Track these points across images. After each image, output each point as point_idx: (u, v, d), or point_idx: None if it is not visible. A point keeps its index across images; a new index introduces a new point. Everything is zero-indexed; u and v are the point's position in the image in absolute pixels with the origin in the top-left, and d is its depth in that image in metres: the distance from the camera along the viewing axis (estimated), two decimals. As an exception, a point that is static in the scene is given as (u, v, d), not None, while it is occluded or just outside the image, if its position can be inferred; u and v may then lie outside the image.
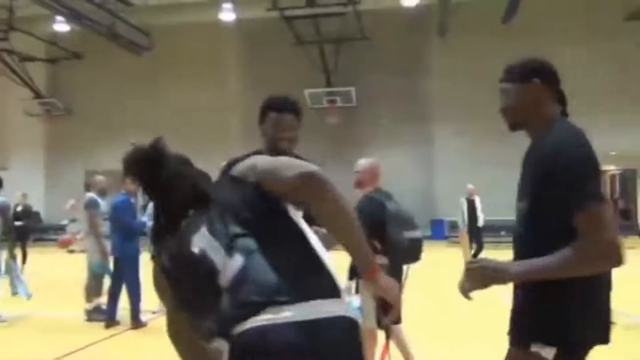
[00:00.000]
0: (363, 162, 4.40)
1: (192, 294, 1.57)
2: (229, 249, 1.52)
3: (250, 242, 1.52)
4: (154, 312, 6.74)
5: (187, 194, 1.64)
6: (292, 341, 1.41)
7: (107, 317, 6.65)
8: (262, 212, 1.59)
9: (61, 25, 18.00)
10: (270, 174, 1.60)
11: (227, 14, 17.54)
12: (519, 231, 2.04)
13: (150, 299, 7.04)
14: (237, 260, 1.50)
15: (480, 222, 11.42)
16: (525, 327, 1.91)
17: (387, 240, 3.95)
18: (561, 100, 2.03)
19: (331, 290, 1.53)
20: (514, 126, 2.08)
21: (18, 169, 20.67)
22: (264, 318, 1.43)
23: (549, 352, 1.81)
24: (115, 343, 5.97)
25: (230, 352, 1.45)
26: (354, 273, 3.90)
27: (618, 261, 1.76)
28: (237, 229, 1.54)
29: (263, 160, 1.69)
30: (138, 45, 18.47)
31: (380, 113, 19.56)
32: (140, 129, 21.08)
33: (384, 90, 19.72)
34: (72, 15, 15.64)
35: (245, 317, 1.43)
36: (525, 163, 2.00)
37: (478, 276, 1.92)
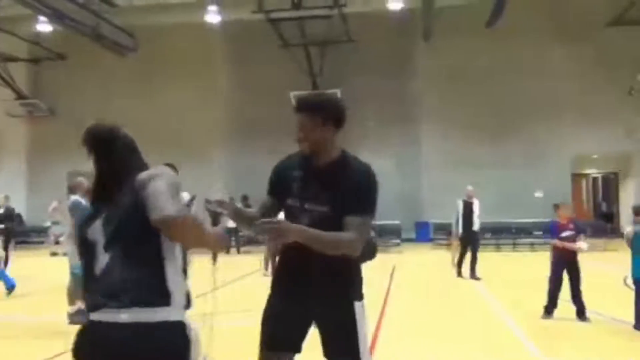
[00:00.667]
0: None
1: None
2: (107, 245, 1.89)
3: (118, 247, 1.88)
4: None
5: (121, 176, 1.98)
6: (118, 340, 1.77)
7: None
8: (135, 225, 1.88)
9: (44, 26, 17.84)
10: (148, 199, 1.87)
11: (213, 16, 17.49)
12: None
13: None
14: (106, 257, 1.88)
15: (476, 227, 10.69)
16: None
17: None
18: None
19: (162, 300, 1.87)
20: None
21: (0, 171, 20.43)
22: (102, 315, 1.81)
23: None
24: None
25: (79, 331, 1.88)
26: None
27: None
28: (116, 232, 1.90)
29: (156, 183, 1.91)
30: (122, 46, 18.35)
31: (366, 115, 19.62)
32: (129, 132, 20.95)
33: (371, 92, 19.79)
34: (55, 16, 15.49)
35: (94, 309, 1.84)
36: None
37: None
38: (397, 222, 18.42)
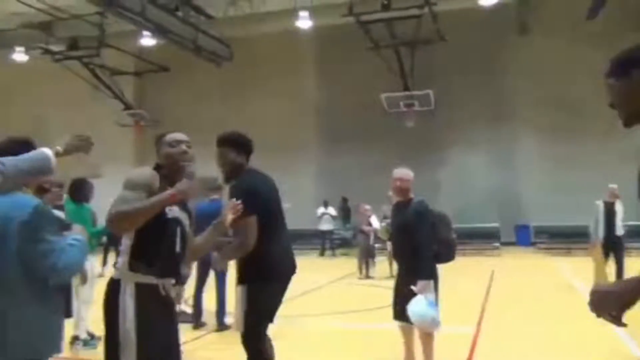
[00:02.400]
0: (407, 171, 4.58)
1: None
2: None
3: None
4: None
5: None
6: None
7: (193, 319, 6.87)
8: None
9: (147, 40, 18.87)
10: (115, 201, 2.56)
11: (304, 22, 17.76)
12: None
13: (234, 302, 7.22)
14: None
15: (620, 231, 9.15)
16: None
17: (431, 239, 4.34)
18: None
19: None
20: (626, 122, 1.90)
21: (110, 177, 21.82)
22: None
23: None
24: (200, 344, 6.15)
25: None
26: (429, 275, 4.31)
27: None
28: None
29: (124, 184, 2.66)
30: (219, 56, 19.04)
31: (459, 115, 19.16)
32: (221, 137, 21.77)
33: (463, 91, 19.31)
34: (158, 30, 16.35)
35: None
36: None
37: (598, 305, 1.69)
38: (495, 224, 17.82)
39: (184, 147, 2.79)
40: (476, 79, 19.32)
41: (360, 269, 12.08)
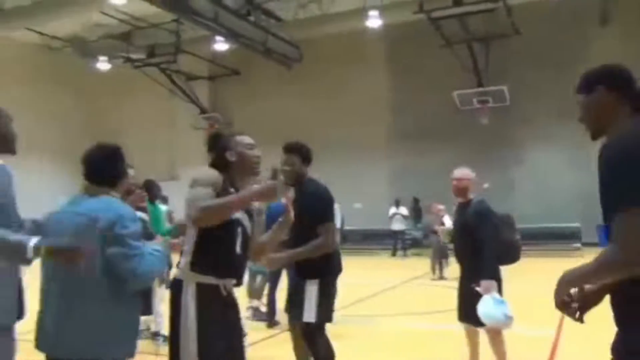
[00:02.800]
0: (468, 171, 4.60)
1: None
2: None
3: None
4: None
5: None
6: None
7: (267, 317, 6.97)
8: None
9: (220, 45, 19.37)
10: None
11: (374, 21, 17.67)
12: None
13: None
14: None
15: None
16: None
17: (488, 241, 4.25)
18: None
19: None
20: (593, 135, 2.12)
21: (186, 180, 22.51)
22: None
23: None
24: (273, 343, 6.23)
25: None
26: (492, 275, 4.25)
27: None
28: None
29: (194, 182, 2.76)
30: (289, 58, 19.29)
31: (534, 111, 18.47)
32: (294, 138, 22.01)
33: (539, 86, 18.59)
34: (230, 35, 16.77)
35: None
36: None
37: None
38: (576, 224, 17.07)
39: (257, 151, 2.86)
40: (553, 73, 18.54)
41: (433, 269, 11.89)
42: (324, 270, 3.85)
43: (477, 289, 4.17)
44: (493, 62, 17.92)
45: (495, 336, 4.33)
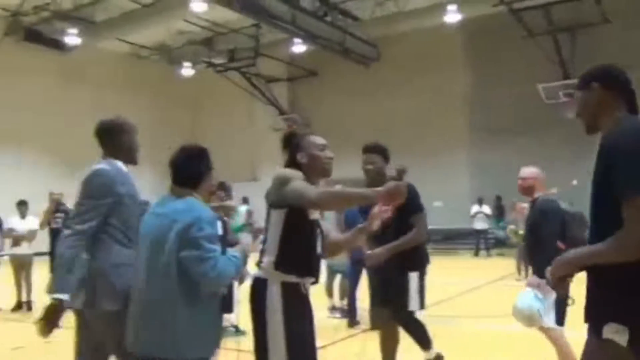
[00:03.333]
0: (534, 170, 4.49)
1: None
2: None
3: None
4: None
5: None
6: None
7: (349, 316, 7.00)
8: None
9: (298, 47, 19.65)
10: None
11: (452, 16, 17.31)
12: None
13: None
14: None
15: None
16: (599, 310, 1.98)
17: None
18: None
19: None
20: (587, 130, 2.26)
21: (266, 180, 23.00)
22: None
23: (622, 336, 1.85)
24: (354, 342, 6.25)
25: None
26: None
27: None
28: None
29: (286, 177, 2.76)
30: (366, 57, 19.27)
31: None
32: (372, 137, 21.92)
33: (635, 77, 17.49)
34: (308, 36, 16.97)
35: None
36: None
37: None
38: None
39: (329, 152, 2.86)
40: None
41: (518, 269, 11.49)
42: (423, 261, 4.21)
43: (527, 281, 4.31)
44: (579, 53, 17.06)
45: (557, 339, 4.19)
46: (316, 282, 2.85)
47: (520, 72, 18.36)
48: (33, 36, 17.88)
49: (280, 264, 2.69)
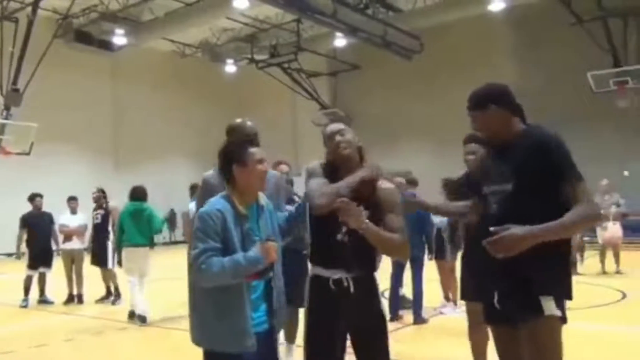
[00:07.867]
0: None
1: None
2: None
3: None
4: (435, 309, 6.91)
5: None
6: None
7: (391, 312, 6.96)
8: None
9: (340, 41, 19.57)
10: None
11: (497, 4, 16.93)
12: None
13: (433, 297, 7.17)
14: None
15: None
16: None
17: None
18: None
19: None
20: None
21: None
22: None
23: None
24: (396, 338, 6.21)
25: None
26: None
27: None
28: None
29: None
30: (408, 49, 19.04)
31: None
32: (416, 131, 21.73)
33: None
34: (349, 30, 16.89)
35: None
36: None
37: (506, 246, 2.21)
38: None
39: (336, 138, 2.78)
40: None
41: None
42: None
43: None
44: (633, 39, 16.43)
45: None
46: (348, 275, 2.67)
47: (567, 61, 17.84)
48: (82, 37, 18.41)
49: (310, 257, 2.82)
